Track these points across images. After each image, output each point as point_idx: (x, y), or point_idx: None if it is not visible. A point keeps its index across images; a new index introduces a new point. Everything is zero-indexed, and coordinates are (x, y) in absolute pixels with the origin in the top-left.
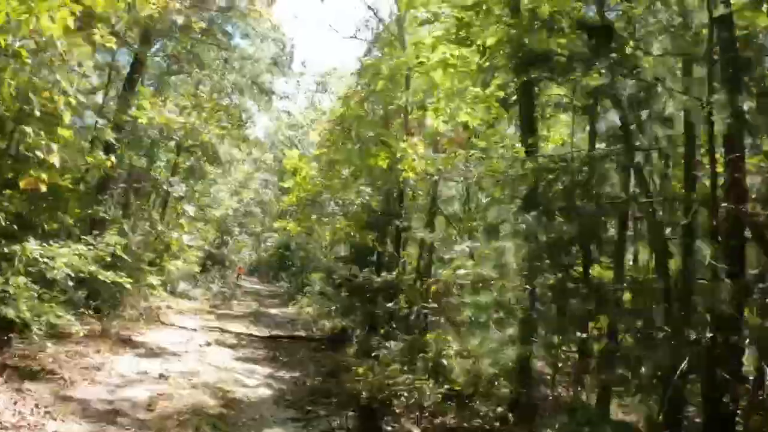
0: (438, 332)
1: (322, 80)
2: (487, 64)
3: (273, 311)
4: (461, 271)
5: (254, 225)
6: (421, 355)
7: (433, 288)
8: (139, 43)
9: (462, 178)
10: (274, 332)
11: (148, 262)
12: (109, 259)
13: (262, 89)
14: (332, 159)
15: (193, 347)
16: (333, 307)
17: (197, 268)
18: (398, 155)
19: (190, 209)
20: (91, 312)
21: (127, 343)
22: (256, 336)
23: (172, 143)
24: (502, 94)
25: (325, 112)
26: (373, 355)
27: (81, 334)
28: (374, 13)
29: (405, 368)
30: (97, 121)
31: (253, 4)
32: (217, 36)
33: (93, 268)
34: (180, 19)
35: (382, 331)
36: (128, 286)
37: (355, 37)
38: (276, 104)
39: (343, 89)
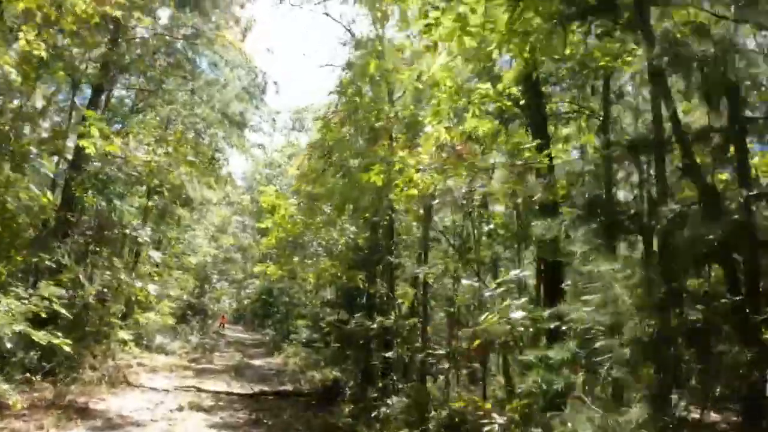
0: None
1: (298, 116)
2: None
3: (257, 362)
4: (517, 314)
5: (235, 272)
6: (432, 414)
7: (477, 341)
8: (98, 76)
9: (465, 201)
10: (258, 388)
11: (118, 315)
12: (44, 315)
13: (233, 121)
14: (313, 193)
15: (162, 413)
16: (321, 358)
17: (171, 320)
18: (397, 168)
19: (156, 256)
20: (38, 377)
21: (82, 413)
22: (238, 394)
23: (143, 187)
24: (515, 90)
25: (302, 147)
26: (373, 415)
27: (20, 406)
28: (350, 34)
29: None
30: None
31: (221, 32)
32: (184, 66)
33: (21, 326)
34: (143, 50)
35: (379, 384)
36: (67, 348)
37: (331, 65)
38: (250, 140)
39: (322, 108)
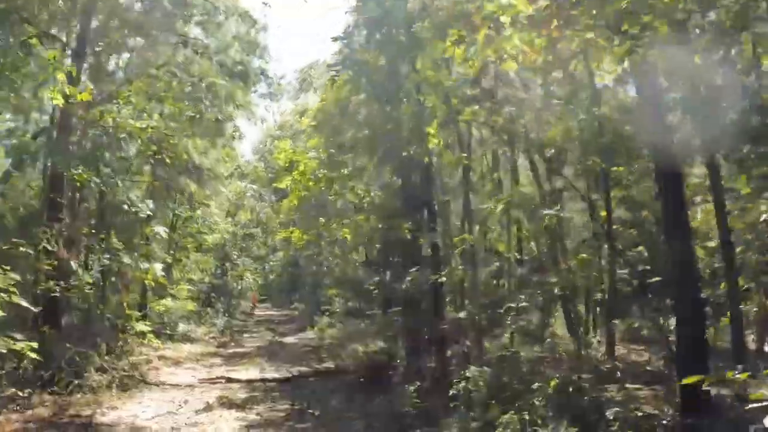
0: None
1: (305, 75)
2: None
3: (290, 340)
4: None
5: (256, 247)
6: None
7: None
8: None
9: None
10: (296, 370)
11: (134, 305)
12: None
13: (234, 72)
14: (335, 142)
15: (186, 417)
16: (364, 328)
17: (191, 305)
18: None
19: (162, 231)
20: (36, 389)
21: (85, 430)
22: (274, 380)
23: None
24: None
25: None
26: (451, 393)
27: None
28: None
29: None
30: None
31: None
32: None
33: None
34: None
35: (447, 352)
36: (32, 354)
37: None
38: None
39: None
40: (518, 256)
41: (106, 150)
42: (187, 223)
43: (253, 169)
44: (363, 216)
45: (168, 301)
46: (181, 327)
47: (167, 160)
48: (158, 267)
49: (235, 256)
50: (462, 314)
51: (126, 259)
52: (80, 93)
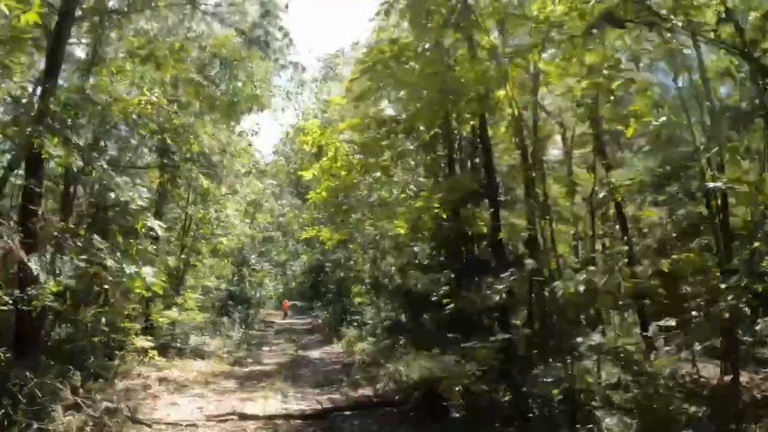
0: None
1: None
2: None
3: (314, 354)
4: None
5: (276, 252)
6: None
7: None
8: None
9: None
10: (326, 398)
11: (134, 316)
12: None
13: (252, 39)
14: (377, 115)
15: None
16: (409, 343)
17: (199, 316)
18: None
19: (157, 225)
20: None
21: None
22: (301, 414)
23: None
24: None
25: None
26: None
27: None
28: None
29: None
30: None
31: None
32: None
33: None
34: None
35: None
36: None
37: None
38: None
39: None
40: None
41: (80, 115)
42: (201, 224)
43: (273, 164)
44: (422, 201)
45: (173, 312)
46: (193, 340)
47: (168, 140)
48: (149, 271)
49: (254, 261)
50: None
51: (109, 262)
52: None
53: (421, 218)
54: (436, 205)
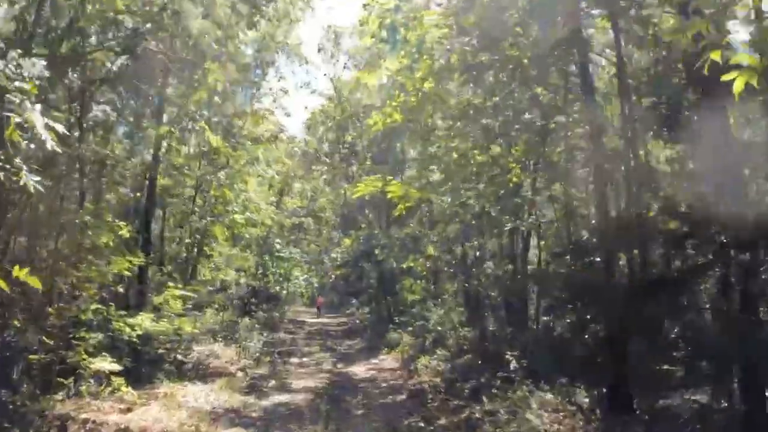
0: None
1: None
2: None
3: (360, 371)
4: None
5: (307, 242)
6: None
7: None
8: None
9: None
10: None
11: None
12: None
13: None
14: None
15: None
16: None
17: (188, 324)
18: None
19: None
20: None
21: None
22: None
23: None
24: None
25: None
26: None
27: None
28: None
29: None
30: None
31: None
32: None
33: None
34: None
35: None
36: None
37: None
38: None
39: None
40: None
41: None
42: (216, 202)
43: (311, 118)
44: None
45: (143, 318)
46: (196, 352)
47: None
48: None
49: (279, 247)
50: None
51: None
52: None
53: None
54: None
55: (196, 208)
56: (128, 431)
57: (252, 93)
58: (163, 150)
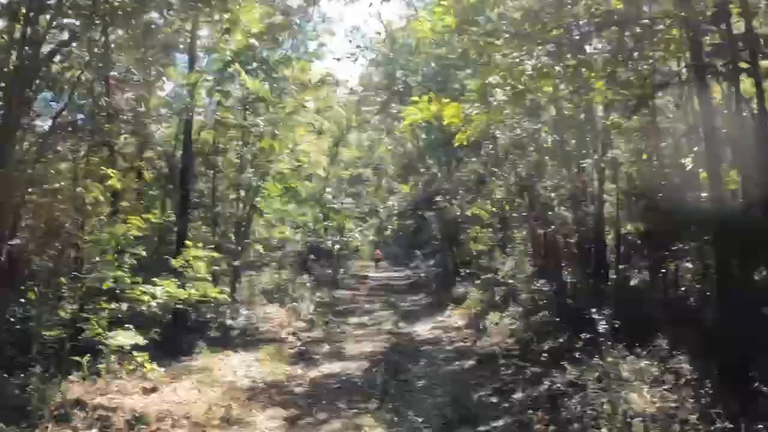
0: None
1: None
2: None
3: (424, 331)
4: None
5: (366, 194)
6: None
7: None
8: None
9: None
10: None
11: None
12: None
13: None
14: None
15: None
16: None
17: (213, 289)
18: None
19: None
20: None
21: None
22: None
23: None
24: None
25: None
26: None
27: None
28: None
29: None
30: None
31: None
32: None
33: None
34: None
35: None
36: None
37: None
38: None
39: None
40: None
41: None
42: (265, 157)
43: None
44: None
45: (166, 284)
46: (243, 316)
47: None
48: None
49: (332, 199)
50: None
51: None
52: None
53: None
54: None
55: (245, 163)
56: (143, 419)
57: (295, 40)
58: (202, 100)
